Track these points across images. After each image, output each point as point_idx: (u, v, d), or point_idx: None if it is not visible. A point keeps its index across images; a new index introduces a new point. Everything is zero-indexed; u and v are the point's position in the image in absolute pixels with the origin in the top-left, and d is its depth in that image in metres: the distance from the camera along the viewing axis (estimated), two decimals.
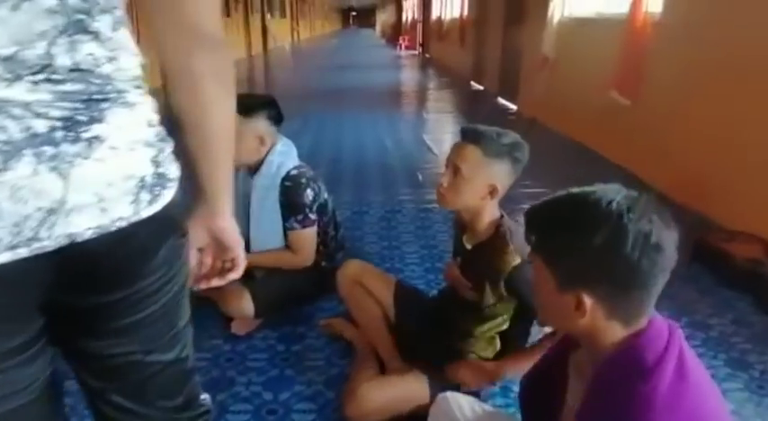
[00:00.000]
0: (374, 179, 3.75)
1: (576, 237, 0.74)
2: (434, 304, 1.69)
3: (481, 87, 8.34)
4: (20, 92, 0.53)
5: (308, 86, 9.21)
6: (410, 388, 1.44)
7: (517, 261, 1.32)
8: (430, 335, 1.59)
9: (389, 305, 1.68)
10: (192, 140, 0.70)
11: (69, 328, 0.67)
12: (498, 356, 1.49)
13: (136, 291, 0.66)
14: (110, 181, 0.59)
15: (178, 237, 0.70)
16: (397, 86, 9.68)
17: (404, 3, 23.09)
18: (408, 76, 11.83)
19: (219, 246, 0.81)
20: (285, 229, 1.86)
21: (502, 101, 6.97)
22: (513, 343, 1.49)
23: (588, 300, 0.74)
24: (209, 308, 1.88)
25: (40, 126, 0.54)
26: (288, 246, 1.89)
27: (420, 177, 3.76)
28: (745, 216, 2.59)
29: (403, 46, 19.08)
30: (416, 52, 17.30)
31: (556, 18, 5.01)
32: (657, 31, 3.37)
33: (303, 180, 1.85)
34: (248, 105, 1.75)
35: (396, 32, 23.27)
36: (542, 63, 5.21)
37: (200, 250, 0.82)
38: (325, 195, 1.94)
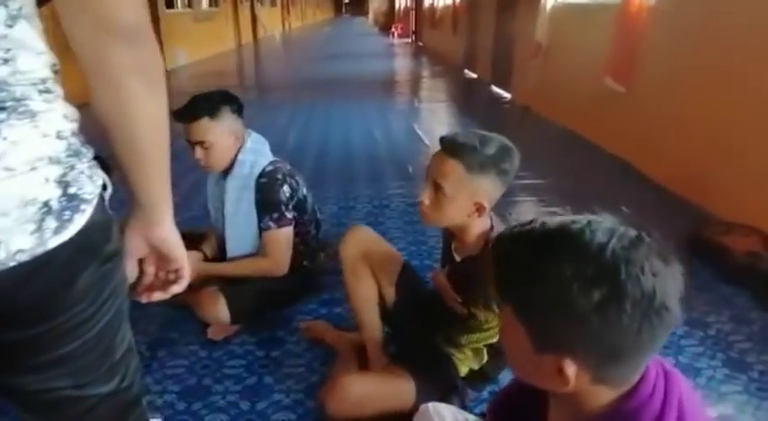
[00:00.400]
0: (362, 172, 3.65)
1: (559, 294, 0.56)
2: (430, 300, 1.59)
3: (474, 75, 8.22)
4: None
5: (298, 77, 9.07)
6: (394, 385, 1.36)
7: None
8: (420, 333, 1.50)
9: (389, 291, 1.57)
10: (118, 146, 0.61)
11: None
12: (486, 368, 1.41)
13: (57, 324, 0.59)
14: (4, 209, 0.50)
15: (101, 264, 0.61)
16: (389, 75, 9.53)
17: None
18: (400, 65, 11.67)
19: (161, 257, 0.73)
20: (260, 230, 1.77)
21: (495, 89, 6.87)
22: (501, 356, 1.41)
23: (571, 368, 0.59)
24: (185, 312, 1.80)
25: None
26: (261, 249, 1.79)
27: (410, 169, 3.66)
28: (744, 207, 2.52)
29: (396, 34, 18.86)
30: (409, 40, 17.11)
31: (549, 4, 4.90)
32: (652, 16, 3.28)
33: (279, 175, 1.76)
34: (211, 105, 1.66)
35: (389, 20, 23.02)
36: (535, 50, 5.11)
37: (142, 261, 0.74)
38: (304, 191, 1.85)
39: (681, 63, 3.02)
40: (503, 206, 2.94)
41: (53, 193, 0.54)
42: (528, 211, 3.03)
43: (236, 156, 1.74)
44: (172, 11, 9.93)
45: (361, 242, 1.56)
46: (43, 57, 0.54)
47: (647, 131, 3.34)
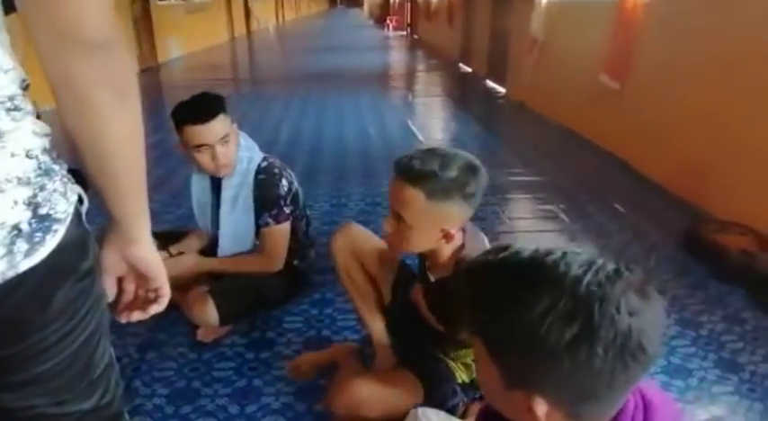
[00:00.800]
0: (355, 168, 3.62)
1: (529, 331, 0.52)
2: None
3: (469, 69, 8.19)
4: None
5: (291, 70, 9.00)
6: (402, 386, 1.32)
7: None
8: (416, 338, 1.46)
9: (386, 290, 1.53)
10: (89, 164, 0.58)
11: None
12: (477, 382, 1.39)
13: (33, 343, 0.57)
14: None
15: (77, 281, 0.59)
16: (384, 69, 9.48)
17: None
18: (395, 58, 11.61)
19: (139, 276, 0.71)
20: (258, 227, 1.75)
21: (490, 83, 6.84)
22: None
23: (542, 407, 0.56)
24: (174, 313, 1.78)
25: None
26: (259, 246, 1.78)
27: None
28: (739, 205, 2.51)
29: (391, 26, 18.75)
30: (404, 33, 17.02)
31: (544, 0, 4.86)
32: (648, 13, 3.25)
33: (276, 170, 1.75)
34: (219, 101, 1.63)
35: (384, 13, 22.86)
36: (531, 46, 5.07)
37: (121, 279, 0.72)
38: (296, 184, 1.84)
39: (676, 60, 3.01)
40: (498, 204, 2.93)
41: (23, 216, 0.52)
42: (522, 209, 3.02)
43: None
44: (164, 2, 9.80)
45: (352, 241, 1.52)
46: (11, 73, 0.51)
47: (643, 128, 3.33)
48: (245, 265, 1.77)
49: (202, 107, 1.60)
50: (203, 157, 1.63)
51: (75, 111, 0.55)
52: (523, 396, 0.57)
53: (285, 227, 1.76)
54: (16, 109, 0.52)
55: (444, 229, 1.16)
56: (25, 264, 0.52)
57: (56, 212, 0.55)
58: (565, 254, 0.55)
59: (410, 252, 1.25)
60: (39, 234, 0.53)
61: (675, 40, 3.01)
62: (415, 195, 1.12)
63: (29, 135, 0.53)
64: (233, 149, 1.67)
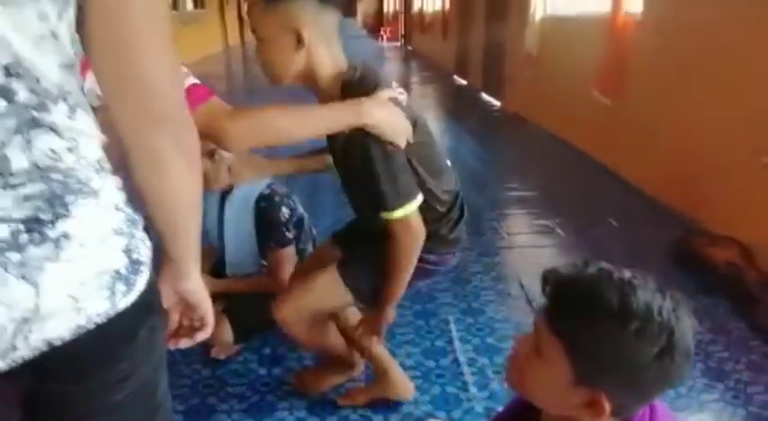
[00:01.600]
0: None
1: (622, 345, 0.65)
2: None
3: (464, 82, 8.32)
4: None
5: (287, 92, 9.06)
6: (321, 286, 1.38)
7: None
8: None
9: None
10: (156, 213, 0.68)
11: (44, 415, 0.65)
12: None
13: (115, 375, 0.65)
14: (82, 280, 0.57)
15: (156, 316, 0.69)
16: None
17: None
18: (390, 70, 11.74)
19: (187, 306, 0.81)
20: (263, 251, 1.83)
21: (486, 96, 6.97)
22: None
23: (606, 403, 0.68)
24: None
25: (3, 232, 0.52)
26: (266, 267, 1.86)
27: None
28: (728, 218, 2.61)
29: (385, 37, 18.94)
30: (398, 44, 17.18)
31: (538, 16, 5.00)
32: (638, 31, 3.38)
33: (277, 198, 1.82)
34: None
35: (377, 23, 23.08)
36: (526, 59, 5.20)
37: (169, 309, 0.81)
38: (301, 210, 1.92)
39: (667, 76, 3.12)
40: (496, 219, 3.03)
41: (121, 262, 0.60)
42: (520, 224, 3.12)
43: None
44: None
45: (300, 308, 1.42)
46: (97, 139, 0.61)
47: (636, 141, 3.44)
48: (254, 286, 1.85)
49: None
50: None
51: (151, 172, 0.63)
52: (588, 392, 0.69)
53: (289, 250, 1.84)
54: (103, 169, 0.61)
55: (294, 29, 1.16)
56: (123, 303, 0.61)
57: (141, 256, 0.63)
58: (638, 288, 0.67)
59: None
60: (132, 276, 0.62)
61: (666, 57, 3.13)
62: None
63: (114, 190, 0.62)
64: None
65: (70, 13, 0.55)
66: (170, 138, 0.62)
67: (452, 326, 2.05)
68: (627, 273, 0.70)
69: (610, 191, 3.50)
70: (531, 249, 2.77)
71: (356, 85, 1.22)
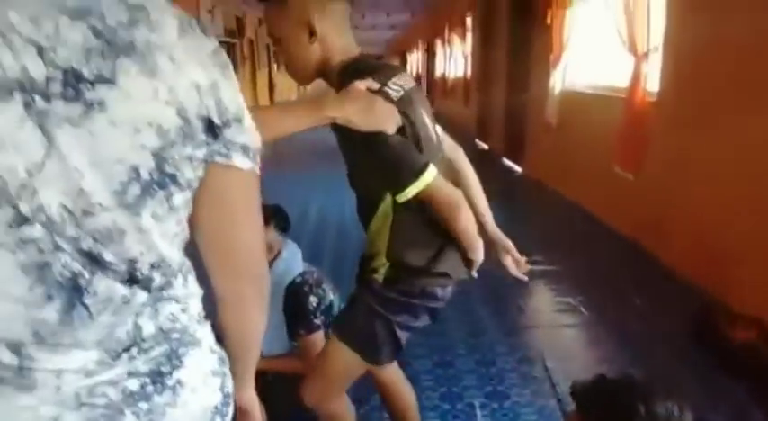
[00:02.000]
0: None
1: None
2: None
3: (486, 146, 8.50)
4: (119, 370, 0.61)
5: (314, 143, 9.36)
6: (327, 354, 1.42)
7: None
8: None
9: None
10: (232, 343, 0.79)
11: None
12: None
13: None
14: (193, 417, 0.68)
15: None
16: None
17: (408, 56, 23.84)
18: None
19: (242, 413, 0.90)
20: (292, 336, 1.89)
21: (507, 162, 7.10)
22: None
23: None
24: None
25: (134, 385, 0.62)
26: (297, 348, 1.91)
27: None
28: (751, 295, 2.59)
29: None
30: None
31: (557, 89, 5.18)
32: (657, 110, 3.48)
33: (306, 288, 1.88)
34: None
35: None
36: (546, 128, 5.34)
37: None
38: (332, 296, 1.97)
39: (688, 154, 3.18)
40: (519, 295, 3.04)
41: (218, 398, 0.71)
42: (542, 301, 3.13)
43: (270, 264, 1.89)
44: None
45: (325, 392, 1.46)
46: (198, 296, 0.72)
47: (656, 215, 3.47)
48: (286, 366, 1.91)
49: None
50: None
51: (236, 317, 0.76)
52: None
53: (318, 335, 1.89)
54: (202, 319, 0.72)
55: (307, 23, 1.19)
56: None
57: (229, 389, 0.75)
58: (656, 395, 0.88)
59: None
60: (225, 408, 0.73)
61: (685, 135, 3.19)
62: None
63: (210, 335, 0.73)
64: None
65: (190, 207, 0.66)
66: (257, 289, 0.75)
67: (478, 412, 2.05)
68: (646, 386, 0.88)
69: (631, 264, 3.50)
70: (554, 329, 2.76)
71: (351, 74, 1.19)
